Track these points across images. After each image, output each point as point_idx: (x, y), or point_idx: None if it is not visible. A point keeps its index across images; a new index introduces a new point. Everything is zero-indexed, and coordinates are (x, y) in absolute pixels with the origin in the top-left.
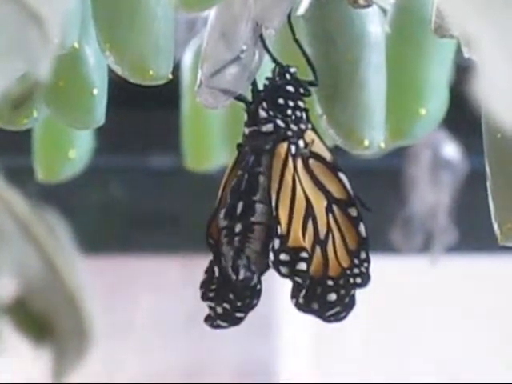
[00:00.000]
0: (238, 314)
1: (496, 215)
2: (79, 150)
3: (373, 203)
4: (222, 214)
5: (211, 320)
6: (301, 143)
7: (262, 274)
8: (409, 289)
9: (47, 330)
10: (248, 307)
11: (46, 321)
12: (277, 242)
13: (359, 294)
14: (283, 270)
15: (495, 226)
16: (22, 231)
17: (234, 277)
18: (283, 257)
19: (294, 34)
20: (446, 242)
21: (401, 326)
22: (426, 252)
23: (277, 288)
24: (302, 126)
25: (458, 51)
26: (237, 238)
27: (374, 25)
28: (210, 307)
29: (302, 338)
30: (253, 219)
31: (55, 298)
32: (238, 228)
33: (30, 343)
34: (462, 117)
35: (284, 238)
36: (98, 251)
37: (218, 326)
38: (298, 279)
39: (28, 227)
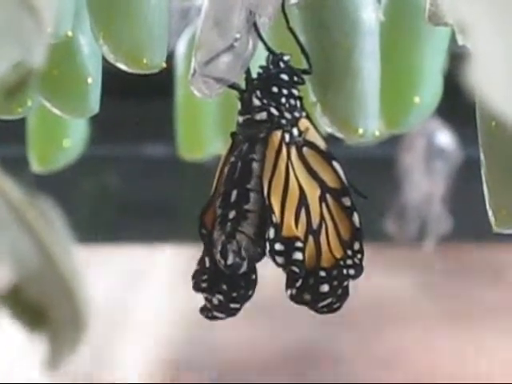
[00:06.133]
0: (233, 305)
1: (490, 202)
2: (73, 139)
3: (367, 192)
4: (218, 203)
5: (207, 311)
6: (295, 131)
7: (255, 263)
8: None
9: (42, 318)
10: (243, 298)
11: (41, 308)
12: (271, 232)
13: None
14: (279, 259)
15: (490, 213)
16: (16, 219)
17: (222, 262)
18: (278, 247)
19: (287, 22)
20: (441, 230)
21: None
22: (421, 240)
23: None
24: (296, 114)
25: (453, 39)
26: (229, 224)
27: (368, 13)
28: (206, 298)
29: None
30: (247, 207)
31: (50, 285)
32: (231, 215)
33: (25, 331)
34: (457, 105)
35: (278, 228)
36: (92, 239)
37: (214, 318)
38: (294, 269)
39: (23, 215)
